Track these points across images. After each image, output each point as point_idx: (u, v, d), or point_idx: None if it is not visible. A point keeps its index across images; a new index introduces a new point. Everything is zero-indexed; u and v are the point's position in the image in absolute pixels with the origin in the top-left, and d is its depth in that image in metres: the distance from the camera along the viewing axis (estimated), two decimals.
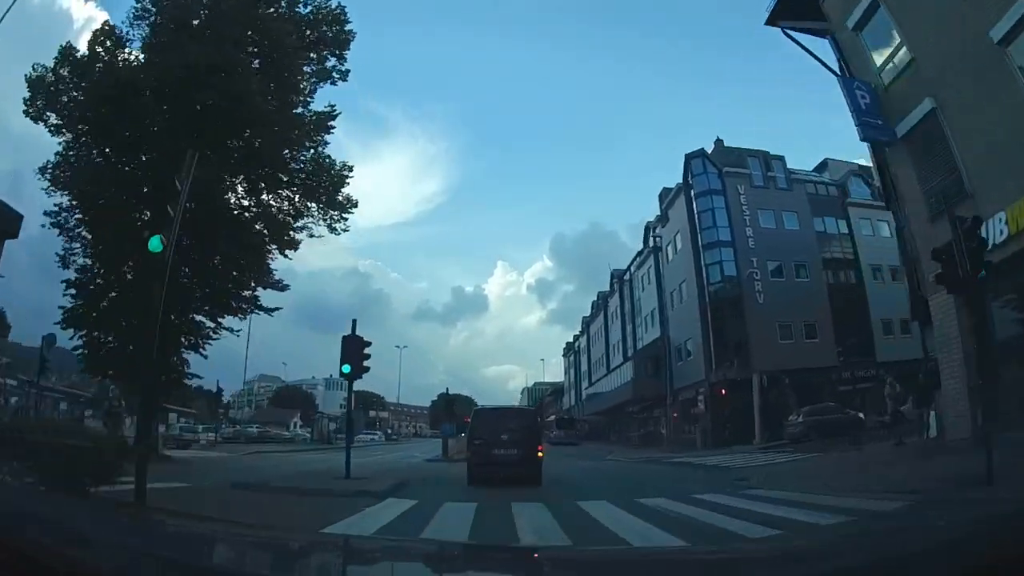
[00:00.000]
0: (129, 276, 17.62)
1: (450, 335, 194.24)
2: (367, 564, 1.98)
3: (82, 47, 17.58)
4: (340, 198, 20.44)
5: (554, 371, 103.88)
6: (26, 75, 16.96)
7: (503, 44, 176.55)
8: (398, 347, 79.29)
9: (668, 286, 41.32)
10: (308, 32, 19.59)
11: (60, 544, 1.11)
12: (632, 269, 51.34)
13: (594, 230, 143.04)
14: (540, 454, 12.34)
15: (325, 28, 19.66)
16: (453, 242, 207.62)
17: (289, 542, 2.30)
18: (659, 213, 43.97)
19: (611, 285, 58.07)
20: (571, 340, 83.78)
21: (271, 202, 20.29)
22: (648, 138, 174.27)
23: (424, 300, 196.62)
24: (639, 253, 49.53)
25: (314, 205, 20.40)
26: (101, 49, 17.62)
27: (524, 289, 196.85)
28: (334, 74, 20.08)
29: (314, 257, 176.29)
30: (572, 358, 79.08)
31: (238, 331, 21.00)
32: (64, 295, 17.67)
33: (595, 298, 65.80)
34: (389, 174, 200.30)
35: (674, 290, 40.19)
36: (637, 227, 56.30)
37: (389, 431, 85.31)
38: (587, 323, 70.60)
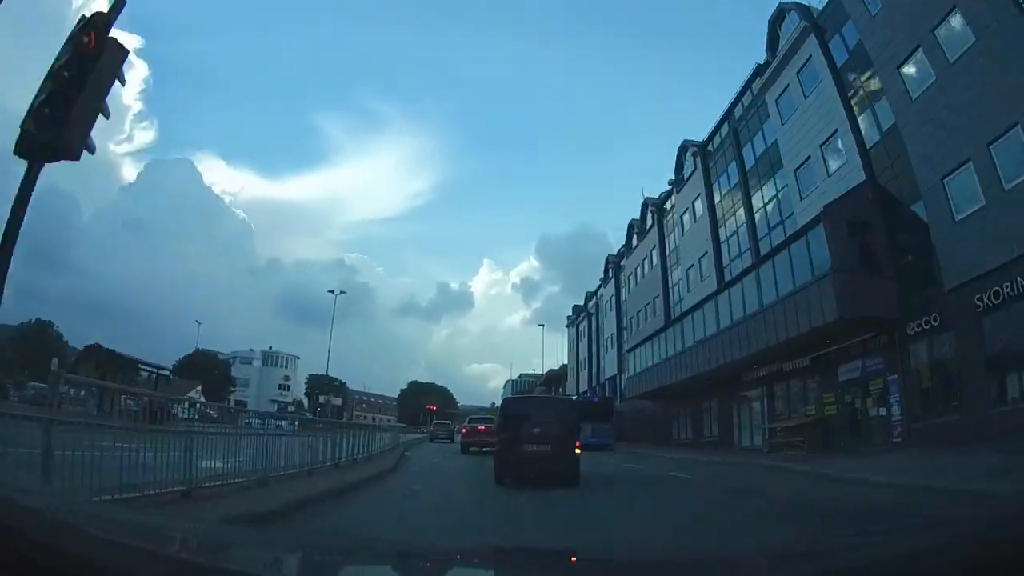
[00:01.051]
0: None
1: (433, 331, 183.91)
2: (376, 564, 1.92)
3: None
4: None
5: (539, 363, 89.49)
6: None
7: (500, 45, 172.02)
8: (331, 292, 54.09)
9: (884, 58, 16.67)
10: None
11: (60, 544, 1.08)
12: (747, 101, 26.59)
13: (583, 231, 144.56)
14: (578, 451, 10.72)
15: None
16: (441, 239, 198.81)
17: (292, 542, 2.32)
18: None
19: (679, 170, 33.27)
20: (580, 303, 58.90)
21: None
22: (642, 141, 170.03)
23: (410, 295, 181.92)
24: (773, 57, 24.88)
25: None
26: None
27: (509, 288, 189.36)
28: None
29: (302, 248, 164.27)
30: (584, 325, 53.93)
31: None
32: None
33: (637, 216, 40.82)
34: (381, 169, 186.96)
35: (916, 49, 15.70)
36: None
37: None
38: (614, 264, 45.75)
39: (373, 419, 79.56)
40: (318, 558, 1.90)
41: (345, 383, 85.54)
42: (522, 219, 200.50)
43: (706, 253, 28.36)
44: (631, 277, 40.79)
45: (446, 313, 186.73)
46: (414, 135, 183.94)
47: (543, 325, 68.15)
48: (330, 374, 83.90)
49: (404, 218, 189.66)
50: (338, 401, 79.20)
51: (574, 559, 2.34)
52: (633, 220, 41.20)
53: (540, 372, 73.71)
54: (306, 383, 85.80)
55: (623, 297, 43.05)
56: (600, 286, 50.17)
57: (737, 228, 26.00)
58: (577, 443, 10.81)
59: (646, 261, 37.50)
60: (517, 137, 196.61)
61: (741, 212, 25.71)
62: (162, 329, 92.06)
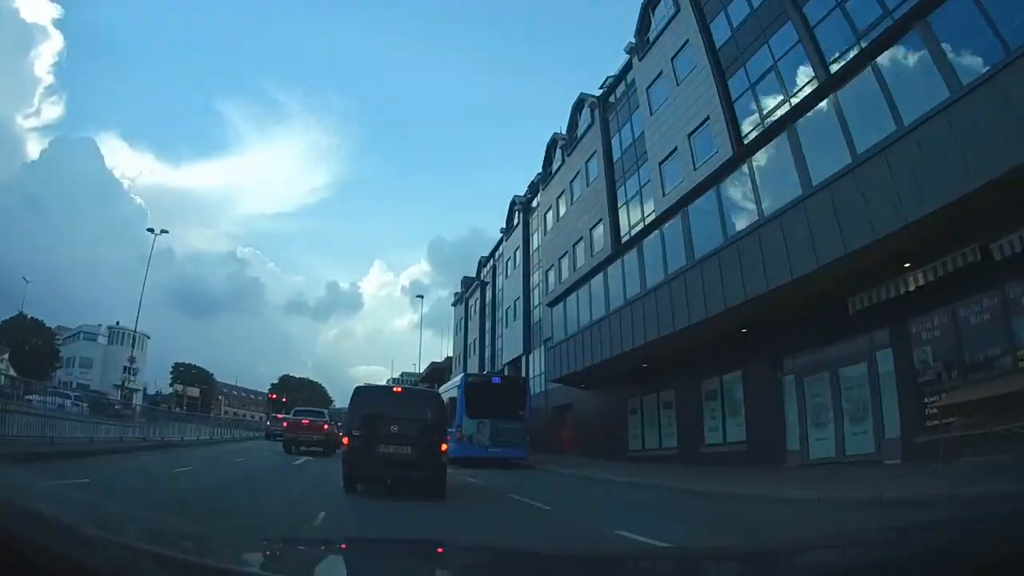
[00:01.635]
0: None
1: (321, 331, 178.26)
2: (367, 563, 1.94)
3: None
4: None
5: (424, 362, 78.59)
6: None
7: (402, 45, 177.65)
8: (151, 231, 36.58)
9: None
10: None
11: (60, 544, 1.06)
12: None
13: (475, 236, 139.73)
14: (445, 456, 9.11)
15: None
16: (333, 237, 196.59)
17: (290, 542, 2.31)
18: None
19: (643, 32, 21.30)
20: (471, 275, 45.58)
21: None
22: (529, 149, 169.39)
23: (299, 293, 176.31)
24: None
25: None
26: None
27: (399, 291, 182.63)
28: None
29: (195, 238, 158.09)
30: (476, 297, 40.78)
31: None
32: None
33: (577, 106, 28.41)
34: (279, 163, 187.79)
35: None
36: None
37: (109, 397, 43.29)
38: (521, 207, 33.05)
39: (233, 413, 72.24)
40: (317, 557, 1.90)
41: (213, 375, 79.36)
42: (415, 222, 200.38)
43: (705, 120, 16.43)
44: (550, 213, 28.26)
45: (335, 313, 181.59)
46: (314, 129, 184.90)
47: (421, 296, 51.95)
48: (197, 364, 75.50)
49: (299, 214, 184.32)
50: (194, 392, 66.75)
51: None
52: (556, 135, 28.76)
53: (419, 370, 59.85)
54: (171, 370, 76.42)
55: (535, 245, 30.49)
56: (500, 240, 37.14)
57: (774, 62, 14.28)
58: (444, 445, 9.04)
59: (578, 180, 25.13)
60: (414, 140, 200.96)
61: (783, 32, 14.03)
62: (47, 311, 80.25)
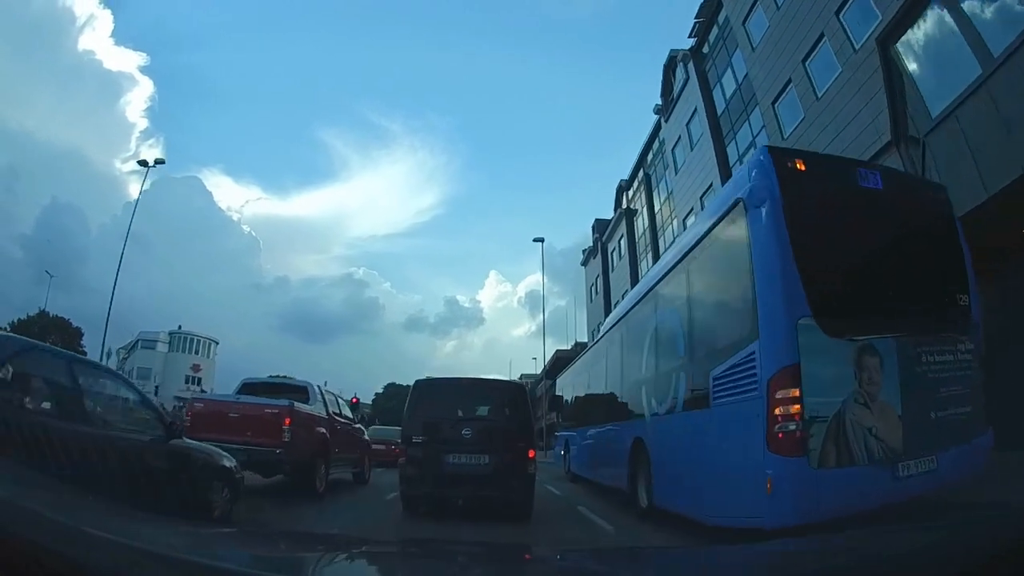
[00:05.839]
0: None
1: (439, 346, 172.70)
2: (370, 564, 1.89)
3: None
4: None
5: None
6: None
7: (507, 54, 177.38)
8: (143, 163, 27.05)
9: None
10: None
11: (60, 544, 1.07)
12: None
13: (588, 243, 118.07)
14: (533, 466, 7.20)
15: None
16: (448, 254, 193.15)
17: (291, 541, 2.26)
18: None
19: None
20: (607, 216, 34.69)
21: None
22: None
23: (418, 310, 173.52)
24: None
25: None
26: None
27: (516, 302, 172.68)
28: None
29: (309, 264, 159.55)
30: (621, 236, 29.96)
31: None
32: None
33: None
34: (386, 185, 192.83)
35: None
36: None
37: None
38: None
39: None
40: (317, 557, 1.82)
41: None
42: (529, 232, 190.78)
43: None
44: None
45: (455, 328, 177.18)
46: (420, 150, 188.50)
47: (542, 240, 34.82)
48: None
49: (412, 234, 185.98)
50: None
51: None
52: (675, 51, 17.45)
53: (543, 361, 48.01)
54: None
55: (720, 108, 19.20)
56: (652, 139, 26.10)
57: None
58: (531, 452, 7.24)
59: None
60: (521, 149, 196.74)
61: None
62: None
